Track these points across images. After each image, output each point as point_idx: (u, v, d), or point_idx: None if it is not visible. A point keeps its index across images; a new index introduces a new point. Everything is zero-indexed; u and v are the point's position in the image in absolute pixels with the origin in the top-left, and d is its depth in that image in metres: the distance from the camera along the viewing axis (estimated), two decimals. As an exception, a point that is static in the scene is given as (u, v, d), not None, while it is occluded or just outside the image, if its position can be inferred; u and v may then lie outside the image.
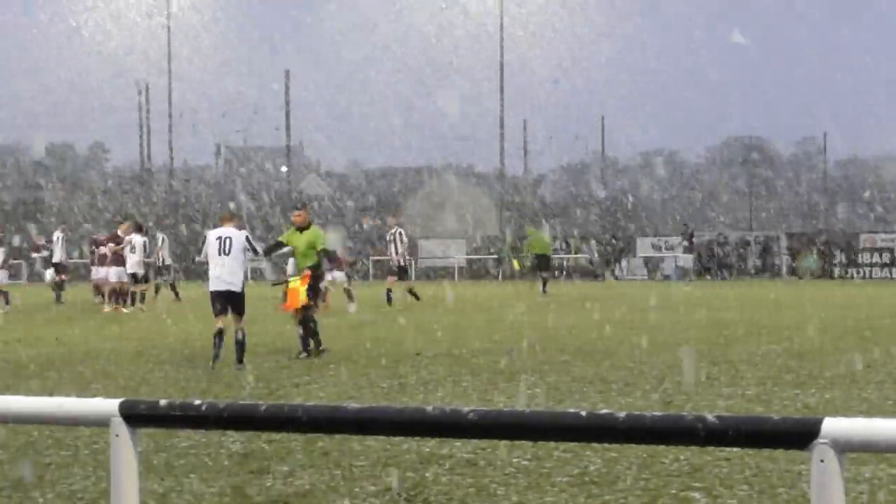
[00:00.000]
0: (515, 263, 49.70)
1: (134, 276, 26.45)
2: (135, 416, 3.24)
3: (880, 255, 48.18)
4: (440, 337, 17.41)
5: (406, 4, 74.89)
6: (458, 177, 73.18)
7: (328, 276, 26.27)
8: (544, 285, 33.12)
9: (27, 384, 11.92)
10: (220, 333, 14.21)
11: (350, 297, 25.21)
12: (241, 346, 14.19)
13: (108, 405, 3.28)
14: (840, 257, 48.53)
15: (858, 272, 47.83)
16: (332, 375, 12.64)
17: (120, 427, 3.22)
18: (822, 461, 2.66)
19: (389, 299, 25.60)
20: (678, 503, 6.42)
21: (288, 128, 67.64)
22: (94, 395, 3.51)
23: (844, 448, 2.66)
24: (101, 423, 3.27)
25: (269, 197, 67.72)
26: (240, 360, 14.08)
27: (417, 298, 25.68)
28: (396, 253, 25.96)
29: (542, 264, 34.23)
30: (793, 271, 48.71)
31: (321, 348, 15.07)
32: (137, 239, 26.83)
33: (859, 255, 48.31)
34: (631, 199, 74.78)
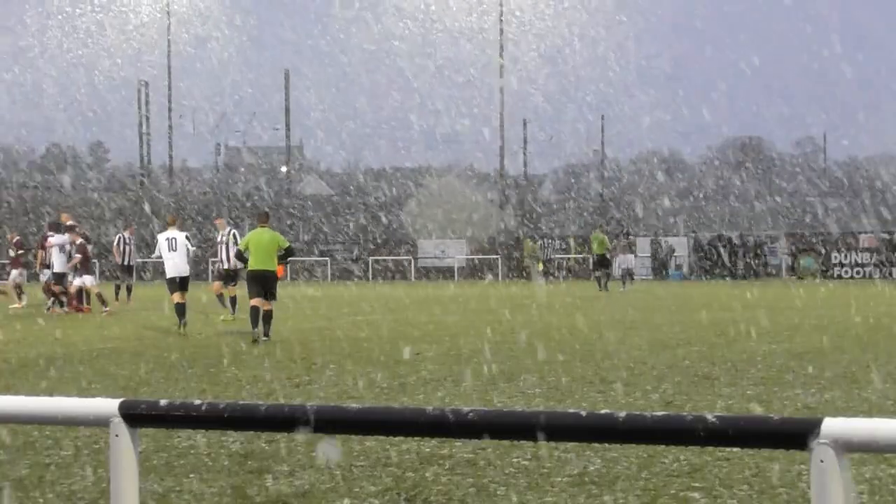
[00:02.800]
0: (540, 265, 49.91)
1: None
2: (135, 416, 3.23)
3: (880, 255, 48.20)
4: (440, 337, 17.41)
5: (406, 4, 74.84)
6: (458, 177, 73.20)
7: (76, 281, 26.12)
8: (605, 282, 36.86)
9: (27, 384, 11.92)
10: (179, 306, 19.52)
11: (101, 300, 25.32)
12: (183, 309, 19.48)
13: (108, 405, 3.28)
14: (840, 257, 48.56)
15: (858, 272, 47.86)
16: (332, 375, 12.65)
17: (120, 427, 3.21)
18: (822, 461, 2.65)
19: (223, 303, 23.41)
20: (678, 503, 6.42)
21: (288, 128, 67.66)
22: (94, 395, 3.51)
23: (844, 448, 2.66)
24: (101, 423, 3.27)
25: (269, 197, 67.69)
26: (183, 321, 19.37)
27: (233, 311, 22.73)
28: (227, 257, 23.34)
29: (604, 263, 37.77)
30: (793, 271, 48.74)
31: (262, 337, 17.55)
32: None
33: (859, 255, 48.35)
34: (630, 199, 74.80)
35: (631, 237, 40.50)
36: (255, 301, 17.63)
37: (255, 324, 17.55)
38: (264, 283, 17.79)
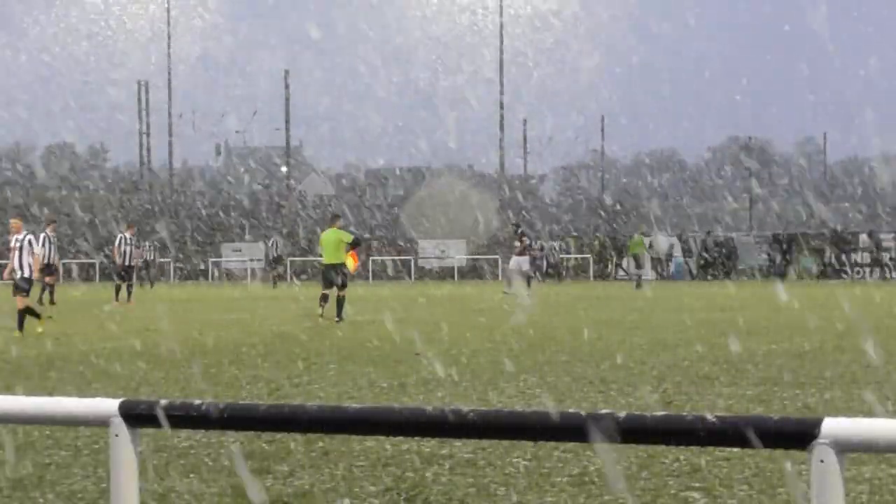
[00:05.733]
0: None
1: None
2: (135, 416, 3.23)
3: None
4: (440, 337, 17.40)
5: (406, 4, 74.78)
6: (458, 177, 73.17)
7: None
8: (638, 280, 40.09)
9: (27, 384, 11.91)
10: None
11: None
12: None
13: (108, 405, 3.27)
14: (839, 258, 48.54)
15: (858, 272, 47.84)
16: (332, 375, 12.64)
17: (120, 427, 3.21)
18: (822, 461, 2.65)
19: (32, 314, 19.83)
20: (678, 503, 6.42)
21: (288, 128, 67.64)
22: (94, 395, 3.51)
23: (844, 448, 2.66)
24: (101, 423, 3.26)
25: (269, 197, 67.66)
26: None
27: (21, 328, 19.23)
28: (20, 264, 19.71)
29: (640, 263, 41.43)
30: (792, 272, 48.74)
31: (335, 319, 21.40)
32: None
33: (859, 256, 48.33)
34: (630, 198, 74.75)
35: (526, 239, 39.04)
36: (326, 290, 22.03)
37: (322, 305, 21.95)
38: (335, 275, 21.83)
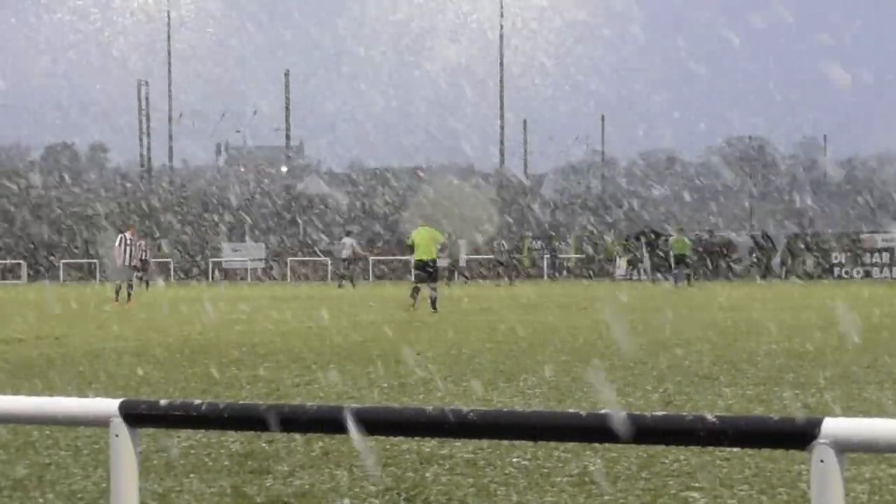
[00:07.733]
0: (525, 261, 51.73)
1: None
2: (135, 416, 3.23)
3: (880, 256, 48.23)
4: (440, 337, 17.40)
5: (407, 5, 74.81)
6: (458, 177, 73.18)
7: None
8: (688, 279, 41.68)
9: (27, 384, 11.91)
10: None
11: None
12: None
13: (108, 405, 3.27)
14: (840, 257, 48.55)
15: (858, 272, 47.85)
16: (332, 375, 12.64)
17: (120, 427, 3.21)
18: (822, 461, 2.65)
19: None
20: (678, 503, 6.42)
21: (288, 128, 67.66)
22: (94, 395, 3.51)
23: (844, 448, 2.66)
24: (101, 423, 3.26)
25: (269, 197, 67.66)
26: None
27: None
28: None
29: (682, 262, 42.74)
30: (792, 272, 48.73)
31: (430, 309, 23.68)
32: None
33: (859, 256, 48.34)
34: (630, 199, 74.78)
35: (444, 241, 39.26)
36: (419, 284, 24.13)
37: (414, 300, 23.97)
38: (428, 270, 24.01)
